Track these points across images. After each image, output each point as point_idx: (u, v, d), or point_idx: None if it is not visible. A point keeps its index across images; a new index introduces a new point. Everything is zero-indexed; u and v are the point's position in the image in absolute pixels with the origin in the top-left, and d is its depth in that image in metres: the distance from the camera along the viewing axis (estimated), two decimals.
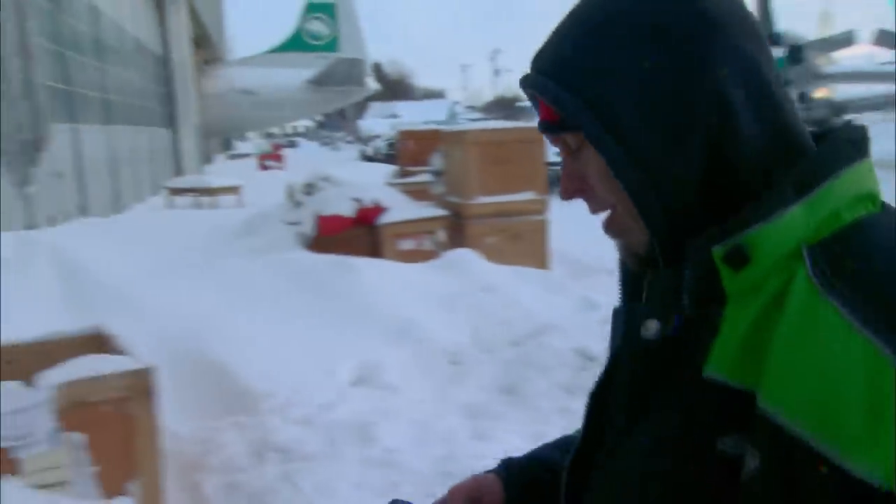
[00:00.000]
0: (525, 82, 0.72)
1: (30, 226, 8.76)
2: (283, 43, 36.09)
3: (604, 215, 0.71)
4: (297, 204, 7.95)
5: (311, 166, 23.03)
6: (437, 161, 8.47)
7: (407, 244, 6.80)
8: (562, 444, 0.92)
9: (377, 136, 40.94)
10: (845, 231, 0.60)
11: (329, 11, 35.79)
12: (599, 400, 0.75)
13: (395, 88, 74.05)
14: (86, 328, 3.46)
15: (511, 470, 0.90)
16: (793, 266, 0.59)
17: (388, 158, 32.46)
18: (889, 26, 22.12)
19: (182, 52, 23.67)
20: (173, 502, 2.95)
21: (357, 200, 6.82)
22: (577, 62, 0.67)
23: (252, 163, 30.20)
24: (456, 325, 4.63)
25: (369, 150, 36.72)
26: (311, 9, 35.96)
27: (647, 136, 0.64)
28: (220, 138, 40.53)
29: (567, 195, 0.73)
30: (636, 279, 0.75)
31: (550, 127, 0.71)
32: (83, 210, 11.35)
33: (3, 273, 5.31)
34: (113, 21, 15.29)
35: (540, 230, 7.04)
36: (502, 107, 66.01)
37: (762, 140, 0.64)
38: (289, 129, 67.57)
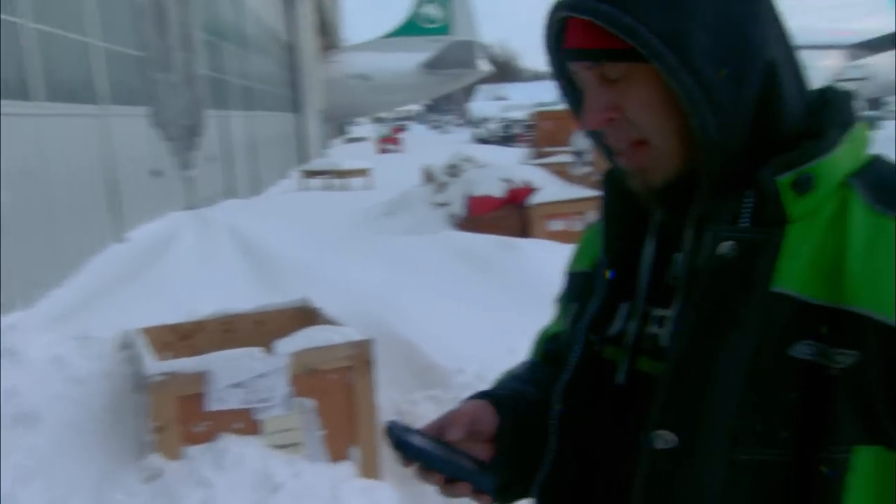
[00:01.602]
0: (577, 8, 0.71)
1: (190, 206, 9.34)
2: (397, 28, 36.60)
3: (624, 146, 0.75)
4: (442, 185, 8.07)
5: (429, 149, 23.31)
6: (578, 141, 8.34)
7: (556, 225, 6.76)
8: (527, 376, 0.94)
9: (488, 119, 40.91)
10: (871, 165, 0.73)
11: None
12: (597, 331, 0.81)
13: (504, 70, 73.60)
14: (294, 301, 3.65)
15: (499, 398, 0.88)
16: (841, 194, 0.70)
17: (503, 140, 32.48)
18: None
19: (306, 39, 24.50)
20: (387, 470, 3.08)
21: (507, 181, 6.83)
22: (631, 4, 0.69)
23: (369, 146, 30.95)
24: None
25: (483, 133, 36.77)
26: None
27: (715, 70, 0.68)
28: (335, 123, 41.76)
29: (595, 125, 0.75)
30: (627, 218, 0.81)
31: (596, 54, 0.72)
32: (230, 192, 12.02)
33: (188, 249, 5.71)
34: (251, 10, 16.02)
35: None
36: None
37: (795, 83, 0.73)
38: (398, 113, 68.67)
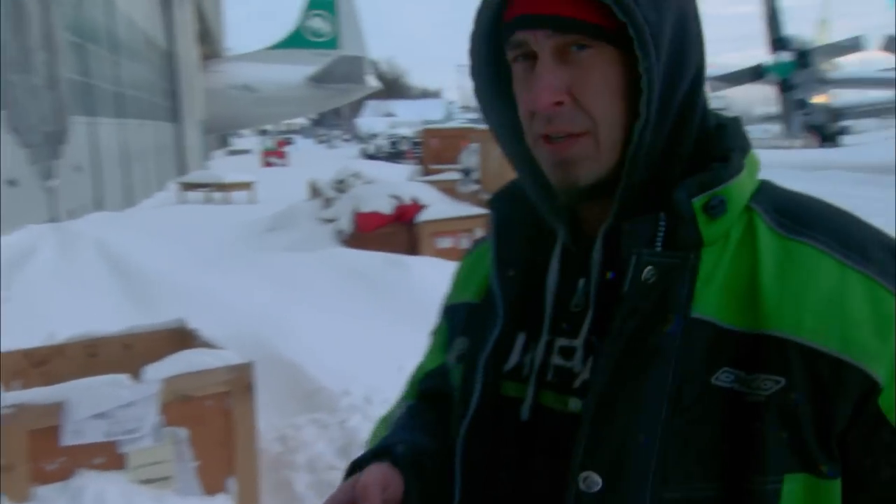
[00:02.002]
0: None
1: (52, 219, 8.65)
2: (283, 39, 35.93)
3: (563, 136, 0.68)
4: (329, 200, 7.91)
5: (315, 163, 22.91)
6: (466, 159, 8.45)
7: (445, 242, 6.77)
8: (412, 423, 0.86)
9: (376, 135, 40.91)
10: (764, 189, 0.72)
11: (330, 8, 35.68)
12: (494, 366, 0.75)
13: (391, 87, 73.93)
14: (168, 322, 3.41)
15: (399, 458, 0.81)
16: (745, 217, 0.69)
17: (391, 157, 32.48)
18: (882, 31, 22.48)
19: (187, 46, 23.52)
20: (267, 500, 2.91)
21: (395, 197, 6.78)
22: None
23: (253, 159, 30.07)
24: None
25: (370, 148, 36.69)
26: (312, 5, 35.82)
27: (668, 73, 0.67)
28: (217, 134, 40.27)
29: (545, 105, 0.67)
30: (522, 243, 0.77)
31: (568, 24, 0.66)
32: (98, 204, 11.25)
33: (48, 264, 5.24)
34: (124, 14, 15.17)
35: None
36: None
37: (704, 105, 0.72)
38: (283, 127, 67.28)
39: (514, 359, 0.76)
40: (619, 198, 0.70)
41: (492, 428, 0.75)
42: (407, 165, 20.14)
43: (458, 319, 0.86)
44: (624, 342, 0.67)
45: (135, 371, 2.76)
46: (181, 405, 2.68)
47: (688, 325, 0.66)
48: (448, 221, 6.72)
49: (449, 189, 8.01)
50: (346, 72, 33.36)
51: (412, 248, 6.66)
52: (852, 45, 22.29)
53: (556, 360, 0.73)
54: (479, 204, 7.21)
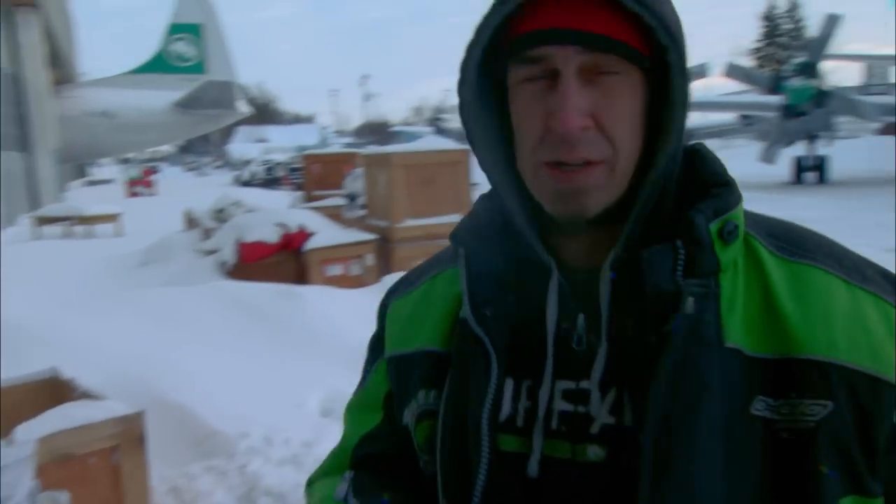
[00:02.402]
0: None
1: None
2: (144, 63, 34.20)
3: (580, 163, 0.63)
4: (209, 231, 7.53)
5: (186, 192, 21.87)
6: (351, 184, 8.33)
7: (334, 269, 6.61)
8: (402, 487, 0.78)
9: (249, 161, 39.77)
10: (746, 214, 0.70)
11: (195, 32, 34.41)
12: (494, 417, 0.68)
13: (263, 112, 72.25)
14: (39, 373, 3.07)
15: None
16: (743, 242, 0.68)
17: (267, 183, 31.58)
18: (728, 60, 24.73)
19: (35, 69, 21.80)
20: None
21: (281, 225, 6.55)
22: (667, 8, 0.64)
23: (116, 189, 28.34)
24: None
25: (244, 175, 35.56)
26: (174, 29, 34.41)
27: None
28: (74, 164, 37.53)
29: (574, 128, 0.62)
30: (501, 280, 0.71)
31: (604, 42, 0.61)
32: None
33: None
34: None
35: None
36: (372, 131, 66.19)
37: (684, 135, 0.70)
38: (147, 154, 63.88)
39: (506, 409, 0.69)
40: (630, 227, 0.66)
41: (502, 492, 0.68)
42: (284, 192, 19.65)
43: (413, 371, 0.77)
44: (671, 382, 0.63)
45: (3, 431, 2.45)
46: (61, 466, 2.41)
47: (724, 354, 0.64)
48: (337, 248, 6.57)
49: (334, 215, 7.85)
50: (215, 97, 32.19)
51: (301, 276, 6.45)
52: (698, 72, 24.28)
53: (561, 405, 0.68)
54: (367, 229, 7.11)
